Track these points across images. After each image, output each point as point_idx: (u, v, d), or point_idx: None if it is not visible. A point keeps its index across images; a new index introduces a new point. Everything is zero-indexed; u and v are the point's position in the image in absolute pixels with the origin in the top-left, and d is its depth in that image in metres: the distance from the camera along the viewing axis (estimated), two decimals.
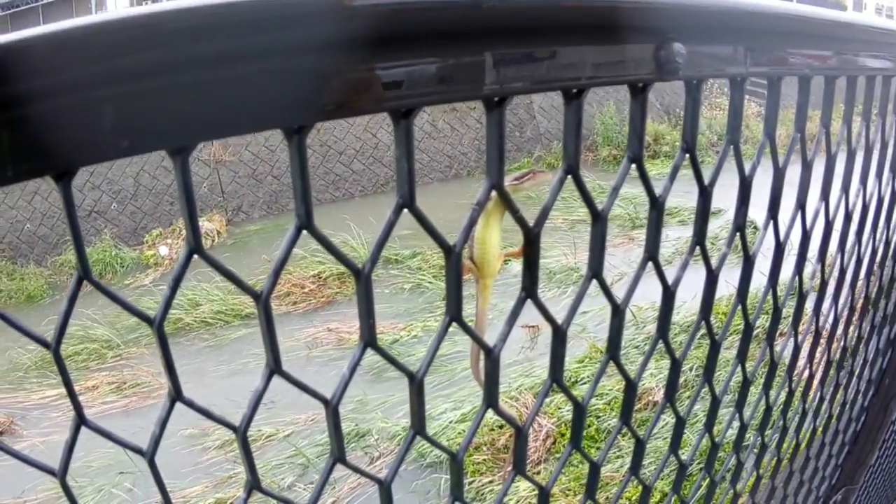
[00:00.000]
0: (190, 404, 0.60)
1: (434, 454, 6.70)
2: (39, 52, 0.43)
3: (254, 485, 0.66)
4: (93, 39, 0.43)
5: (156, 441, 0.60)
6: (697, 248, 0.82)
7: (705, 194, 0.77)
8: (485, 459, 6.73)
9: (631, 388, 0.88)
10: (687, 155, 0.72)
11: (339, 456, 0.66)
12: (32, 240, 12.08)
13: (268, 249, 10.90)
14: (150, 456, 0.61)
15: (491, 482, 6.42)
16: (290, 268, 10.69)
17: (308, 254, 10.68)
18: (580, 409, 0.80)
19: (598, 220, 0.69)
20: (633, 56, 0.62)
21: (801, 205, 0.98)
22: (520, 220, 0.64)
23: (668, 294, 0.81)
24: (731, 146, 0.76)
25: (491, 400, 0.71)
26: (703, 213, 0.79)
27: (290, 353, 8.52)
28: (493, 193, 0.61)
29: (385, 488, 0.70)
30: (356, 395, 7.53)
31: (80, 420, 0.57)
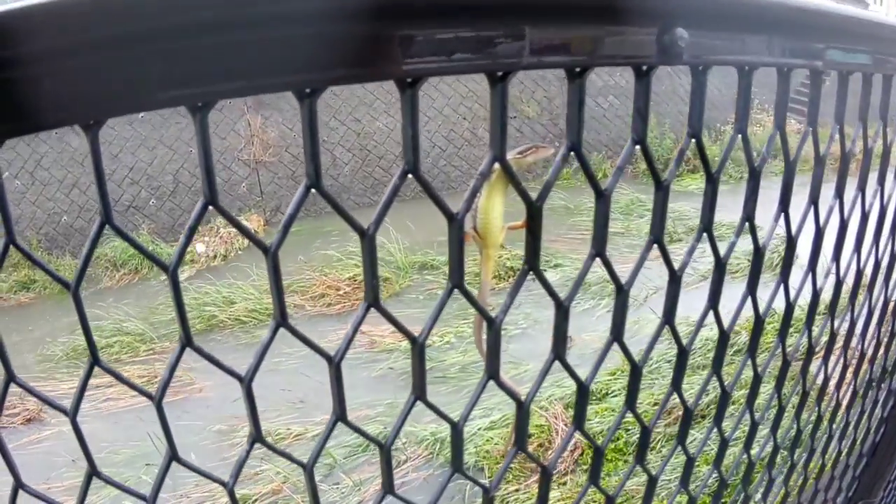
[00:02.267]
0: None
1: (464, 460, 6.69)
2: (84, 12, 0.47)
3: (256, 437, 0.68)
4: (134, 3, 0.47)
5: (164, 384, 0.63)
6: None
7: (712, 181, 0.78)
8: (511, 468, 6.71)
9: (636, 373, 0.89)
10: (693, 140, 0.74)
11: (340, 415, 0.69)
12: (69, 232, 12.26)
13: (304, 251, 10.96)
14: (158, 400, 0.63)
15: (517, 490, 6.40)
16: (326, 269, 10.74)
17: (344, 256, 10.73)
18: (584, 389, 0.81)
19: (602, 199, 0.71)
20: (636, 39, 0.63)
21: (813, 201, 0.99)
22: (522, 193, 0.66)
23: (675, 280, 0.83)
24: (739, 135, 0.77)
25: (492, 371, 0.73)
26: (711, 201, 0.81)
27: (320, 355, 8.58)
28: (496, 166, 0.63)
29: (385, 450, 0.72)
30: (385, 399, 7.55)
31: (94, 360, 0.60)
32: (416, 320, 8.58)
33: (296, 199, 0.59)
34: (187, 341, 0.64)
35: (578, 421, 0.87)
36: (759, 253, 0.93)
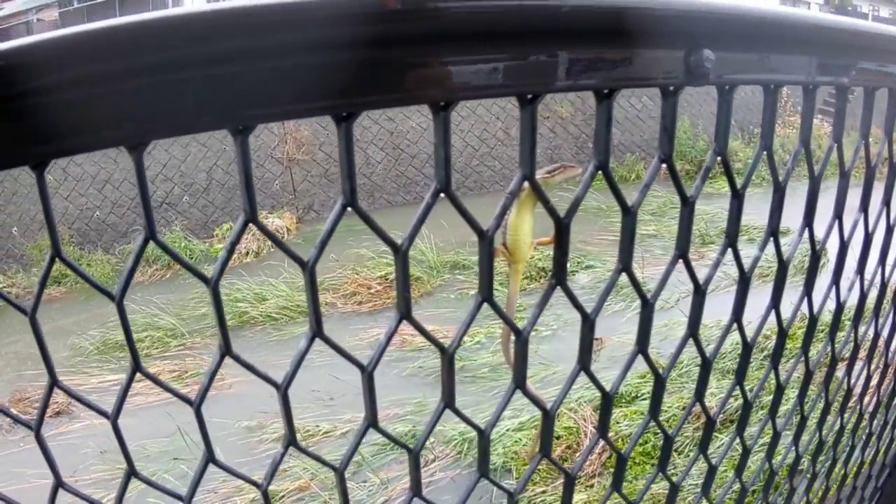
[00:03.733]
0: None
1: (490, 462, 6.71)
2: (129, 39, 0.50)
3: (290, 441, 0.71)
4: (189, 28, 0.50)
5: (204, 390, 0.65)
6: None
7: (738, 197, 0.80)
8: (538, 469, 6.72)
9: (660, 383, 0.91)
10: (718, 158, 0.75)
11: (371, 421, 0.71)
12: (101, 227, 12.43)
13: (337, 249, 11.02)
14: (197, 405, 0.66)
15: (544, 492, 6.41)
16: (358, 268, 10.81)
17: (376, 255, 10.79)
18: (608, 399, 0.83)
19: (628, 215, 0.72)
20: (663, 60, 0.65)
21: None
22: (550, 210, 0.68)
23: (700, 292, 0.84)
24: (765, 151, 0.79)
25: (519, 380, 0.75)
26: (737, 215, 0.82)
27: (353, 351, 8.60)
28: (526, 184, 0.65)
29: (414, 455, 0.74)
30: (415, 398, 7.59)
31: (136, 367, 0.63)
32: (447, 319, 8.59)
33: (332, 218, 0.61)
34: (227, 349, 0.67)
35: (602, 429, 0.89)
36: (783, 266, 0.95)
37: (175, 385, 7.77)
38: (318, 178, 13.72)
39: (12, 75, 0.47)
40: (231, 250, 0.67)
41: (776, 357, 1.06)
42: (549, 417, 0.79)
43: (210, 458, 0.76)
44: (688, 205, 0.76)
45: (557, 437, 6.81)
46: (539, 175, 0.66)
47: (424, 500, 0.80)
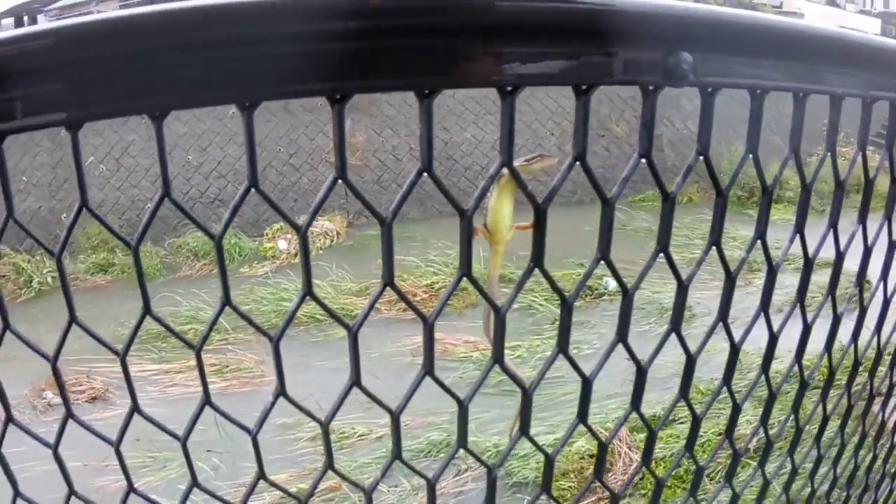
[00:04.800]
0: None
1: (520, 474, 6.72)
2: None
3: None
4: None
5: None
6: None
7: (722, 197, 0.83)
8: (570, 486, 6.70)
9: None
10: (700, 157, 0.79)
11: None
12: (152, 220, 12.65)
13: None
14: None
15: None
16: (404, 275, 10.87)
17: (423, 263, 10.86)
18: (587, 382, 0.87)
19: (607, 206, 0.76)
20: (642, 60, 0.69)
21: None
22: (529, 196, 0.72)
23: (682, 289, 0.87)
24: (750, 155, 0.82)
25: (497, 355, 0.79)
26: (721, 214, 0.85)
27: (394, 358, 8.66)
28: (505, 170, 0.69)
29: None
30: (452, 408, 7.59)
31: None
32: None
33: (325, 186, 0.66)
34: (227, 300, 0.72)
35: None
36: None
37: (214, 378, 7.87)
38: (371, 184, 13.84)
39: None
40: (234, 212, 0.72)
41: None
42: (527, 398, 0.83)
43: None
44: (668, 200, 0.80)
45: (591, 455, 6.77)
46: (518, 162, 0.70)
47: (404, 463, 0.85)
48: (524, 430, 0.86)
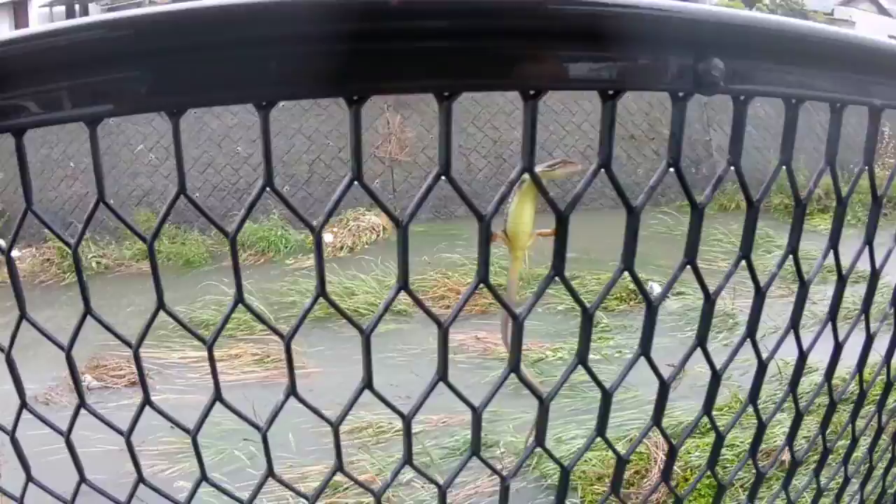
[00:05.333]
0: None
1: (556, 477, 6.66)
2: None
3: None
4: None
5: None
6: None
7: (753, 209, 0.80)
8: (604, 491, 6.63)
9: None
10: (732, 168, 0.76)
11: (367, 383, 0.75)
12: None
13: (430, 251, 11.07)
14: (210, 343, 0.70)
15: None
16: (449, 272, 10.84)
17: (468, 261, 10.82)
18: (607, 396, 0.85)
19: (632, 214, 0.74)
20: (671, 66, 0.67)
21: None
22: (550, 202, 0.70)
23: (709, 301, 0.85)
24: (784, 166, 0.79)
25: (513, 364, 0.77)
26: (752, 227, 0.82)
27: (435, 354, 8.66)
28: (526, 175, 0.68)
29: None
30: (491, 407, 7.56)
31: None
32: (531, 333, 8.54)
33: (341, 188, 0.65)
34: (239, 297, 0.72)
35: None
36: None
37: (255, 368, 7.92)
38: (419, 180, 13.82)
39: None
40: (249, 209, 0.72)
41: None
42: (543, 407, 0.82)
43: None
44: (697, 210, 0.77)
45: (628, 462, 6.69)
46: (540, 168, 0.69)
47: (415, 468, 0.85)
48: (539, 440, 0.84)
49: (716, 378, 0.94)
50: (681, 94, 0.70)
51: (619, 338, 8.87)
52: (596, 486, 6.59)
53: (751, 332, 0.92)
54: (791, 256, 0.87)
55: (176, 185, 0.70)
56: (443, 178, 0.67)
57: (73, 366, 0.82)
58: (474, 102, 13.51)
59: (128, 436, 0.88)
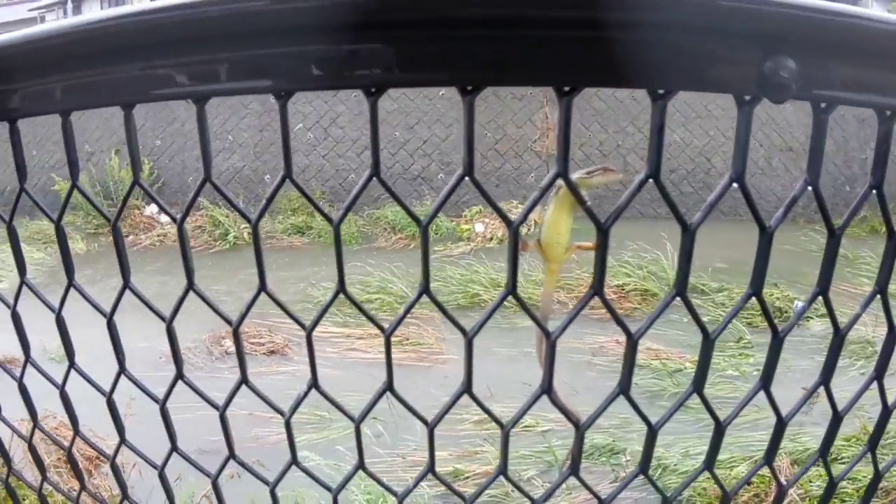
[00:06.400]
0: None
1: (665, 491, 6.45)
2: None
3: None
4: None
5: None
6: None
7: (835, 237, 0.70)
8: None
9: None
10: (809, 187, 0.67)
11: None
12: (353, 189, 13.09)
13: (577, 251, 10.87)
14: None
15: None
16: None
17: (617, 263, 10.60)
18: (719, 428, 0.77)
19: (686, 233, 0.66)
20: (731, 64, 0.58)
21: None
22: (589, 213, 0.63)
23: (838, 335, 0.76)
24: (873, 189, 0.68)
25: (545, 387, 0.71)
26: (832, 258, 0.72)
27: (574, 354, 8.51)
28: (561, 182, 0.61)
29: None
30: (622, 413, 7.39)
31: None
32: (672, 342, 8.28)
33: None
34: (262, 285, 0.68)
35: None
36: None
37: (392, 349, 8.12)
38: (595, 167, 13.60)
39: None
40: (269, 201, 0.69)
41: None
42: (579, 434, 0.75)
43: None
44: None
45: (749, 483, 6.38)
46: (577, 175, 0.62)
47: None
48: (574, 469, 0.77)
49: (836, 419, 0.85)
50: (746, 97, 0.61)
51: (760, 355, 8.47)
52: None
53: (879, 373, 0.82)
54: (880, 296, 0.75)
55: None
56: (467, 178, 0.61)
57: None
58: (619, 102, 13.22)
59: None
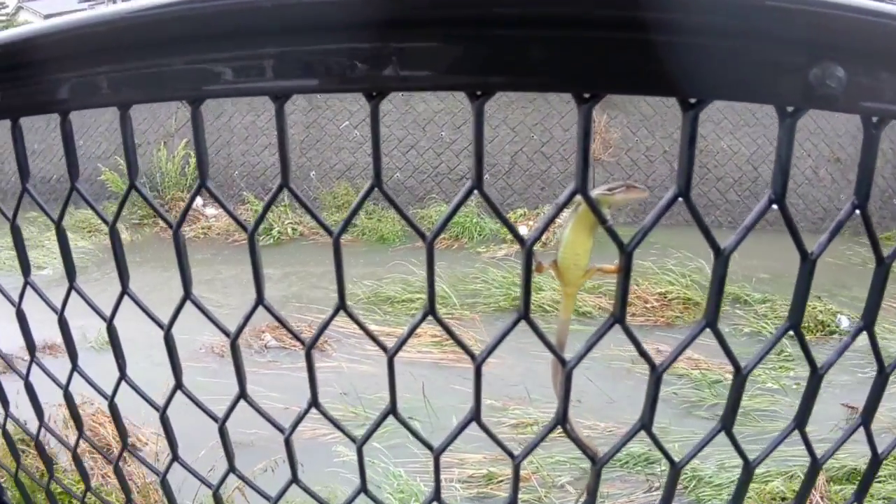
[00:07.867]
0: None
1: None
2: None
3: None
4: None
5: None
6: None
7: (882, 265, 0.63)
8: None
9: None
10: (857, 211, 0.60)
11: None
12: (399, 188, 13.04)
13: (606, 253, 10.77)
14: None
15: None
16: (639, 279, 10.51)
17: (660, 270, 10.46)
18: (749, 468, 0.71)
19: (719, 258, 0.60)
20: (773, 72, 0.52)
21: None
22: (611, 232, 0.58)
23: (882, 374, 0.69)
24: None
25: (560, 417, 0.65)
26: (880, 289, 0.65)
27: (613, 361, 8.42)
28: (579, 198, 0.56)
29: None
30: (661, 423, 7.28)
31: None
32: (712, 352, 8.15)
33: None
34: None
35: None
36: None
37: (431, 349, 8.00)
38: (619, 182, 13.48)
39: None
40: (266, 209, 0.65)
41: None
42: (595, 468, 0.69)
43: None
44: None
45: (783, 498, 6.23)
46: (598, 192, 0.56)
47: None
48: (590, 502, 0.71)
49: (875, 461, 0.78)
50: (789, 108, 0.54)
51: (800, 369, 8.28)
52: None
53: (866, 419, 0.76)
54: None
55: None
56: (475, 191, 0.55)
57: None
58: (731, 110, 13.00)
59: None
